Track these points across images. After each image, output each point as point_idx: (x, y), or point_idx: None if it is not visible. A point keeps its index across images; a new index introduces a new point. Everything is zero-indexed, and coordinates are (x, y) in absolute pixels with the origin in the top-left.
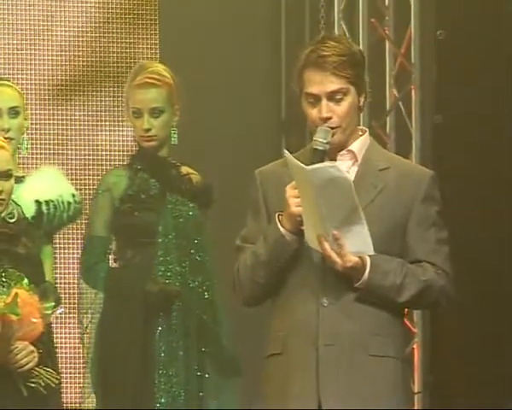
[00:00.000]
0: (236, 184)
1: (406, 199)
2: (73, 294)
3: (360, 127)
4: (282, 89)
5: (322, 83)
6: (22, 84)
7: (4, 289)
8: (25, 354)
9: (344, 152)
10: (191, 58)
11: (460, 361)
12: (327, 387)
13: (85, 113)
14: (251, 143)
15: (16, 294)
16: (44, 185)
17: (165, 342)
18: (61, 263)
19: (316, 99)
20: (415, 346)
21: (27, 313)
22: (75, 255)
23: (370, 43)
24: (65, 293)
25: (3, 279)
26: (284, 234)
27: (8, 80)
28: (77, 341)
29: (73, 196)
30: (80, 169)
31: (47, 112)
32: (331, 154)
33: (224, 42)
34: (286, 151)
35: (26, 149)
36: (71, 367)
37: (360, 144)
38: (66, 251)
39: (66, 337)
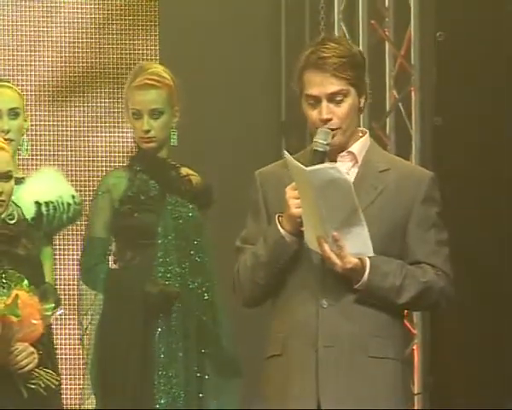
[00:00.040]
0: (236, 185)
1: (406, 200)
2: (73, 295)
3: (360, 129)
4: (282, 90)
5: (322, 84)
6: (22, 85)
7: (4, 291)
8: (25, 355)
9: (344, 153)
10: (191, 59)
11: (460, 362)
12: (326, 388)
13: (85, 114)
14: (251, 145)
15: (17, 295)
16: (44, 187)
17: (165, 343)
18: (60, 264)
19: (316, 100)
20: (414, 347)
21: (27, 315)
22: (75, 257)
23: (370, 45)
24: (65, 294)
25: (3, 281)
26: (284, 235)
27: (8, 81)
28: (76, 342)
29: (73, 197)
30: (80, 170)
31: (47, 113)
32: (331, 155)
33: (224, 43)
34: (286, 152)
35: (26, 150)
36: (71, 368)
37: (360, 146)
38: (66, 252)
39: (65, 338)
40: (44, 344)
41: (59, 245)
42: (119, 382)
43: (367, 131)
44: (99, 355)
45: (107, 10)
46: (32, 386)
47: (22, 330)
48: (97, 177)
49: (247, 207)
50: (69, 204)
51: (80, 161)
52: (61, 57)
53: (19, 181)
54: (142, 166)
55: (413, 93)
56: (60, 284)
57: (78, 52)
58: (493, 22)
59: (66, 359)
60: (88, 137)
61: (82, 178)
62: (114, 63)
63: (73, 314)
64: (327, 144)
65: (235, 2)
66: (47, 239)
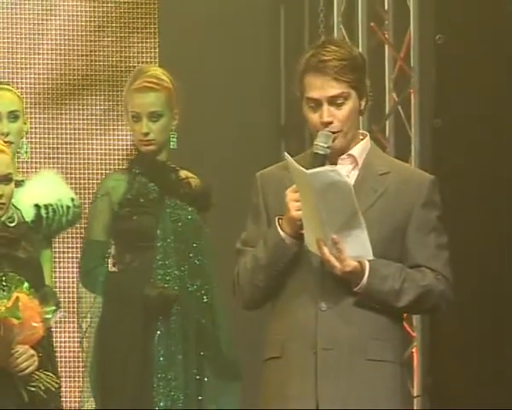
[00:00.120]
0: (236, 188)
1: (406, 203)
2: (73, 298)
3: (361, 131)
4: (282, 93)
5: (323, 87)
6: (22, 88)
7: (5, 294)
8: (25, 357)
9: (344, 156)
10: (190, 62)
11: (459, 364)
12: (325, 391)
13: (85, 117)
14: (250, 148)
15: (17, 298)
16: (44, 189)
17: (164, 345)
18: (60, 267)
19: (317, 104)
20: (414, 350)
21: (28, 317)
22: (74, 259)
23: (370, 48)
24: (64, 297)
25: (4, 283)
26: (284, 238)
27: (8, 84)
28: (76, 345)
29: (72, 200)
30: (79, 173)
31: (46, 116)
32: (332, 158)
33: (224, 45)
34: (287, 155)
35: (26, 153)
36: (70, 371)
37: (361, 149)
38: (66, 255)
39: (65, 341)
40: (44, 347)
41: (58, 248)
42: (118, 384)
43: (367, 133)
44: (98, 358)
45: (107, 13)
46: (32, 389)
47: (22, 332)
48: (96, 180)
49: (246, 210)
50: (68, 207)
51: (79, 163)
52: (60, 60)
53: (18, 184)
54: (141, 168)
55: (412, 96)
56: (59, 287)
57: (76, 55)
58: (493, 24)
59: (65, 361)
60: (87, 140)
61: (81, 181)
62: (114, 66)
63: (73, 317)
64: (327, 147)
65: (234, 4)
66: (46, 242)
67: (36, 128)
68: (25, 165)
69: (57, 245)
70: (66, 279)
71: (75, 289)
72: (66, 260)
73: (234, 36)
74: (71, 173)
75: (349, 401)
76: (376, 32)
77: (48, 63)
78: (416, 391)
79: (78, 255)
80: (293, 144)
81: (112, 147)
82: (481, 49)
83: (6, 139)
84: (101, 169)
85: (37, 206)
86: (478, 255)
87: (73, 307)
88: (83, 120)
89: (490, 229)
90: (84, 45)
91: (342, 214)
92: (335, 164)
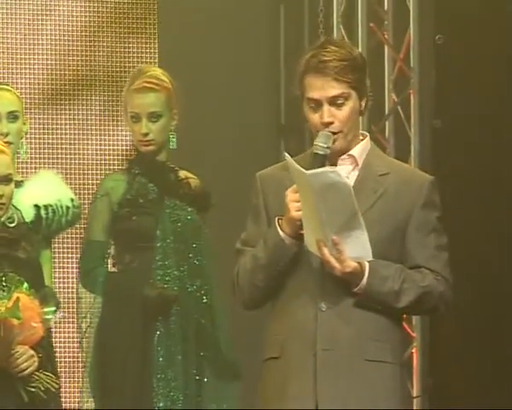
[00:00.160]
0: (235, 188)
1: (406, 204)
2: (72, 298)
3: (361, 132)
4: (282, 93)
5: (323, 88)
6: (20, 88)
7: (4, 294)
8: (25, 358)
9: (345, 156)
10: (190, 62)
11: (459, 365)
12: (324, 392)
13: (83, 117)
14: (250, 148)
15: (18, 298)
16: (43, 190)
17: (164, 346)
18: (59, 267)
19: (317, 104)
20: (413, 350)
21: (28, 318)
22: (74, 260)
23: (369, 48)
24: (64, 297)
25: (3, 284)
26: (284, 238)
27: (7, 85)
28: (75, 345)
29: (72, 200)
30: (78, 173)
31: (45, 116)
32: (332, 158)
33: (223, 45)
34: (287, 155)
35: (25, 153)
36: (69, 371)
37: (361, 149)
38: (65, 256)
39: (64, 341)
40: (44, 347)
41: (58, 248)
42: (117, 385)
43: (367, 134)
44: (98, 358)
45: (106, 13)
46: (32, 389)
47: (22, 333)
48: (96, 180)
49: (246, 210)
50: (68, 207)
51: (78, 164)
52: (58, 60)
53: (18, 184)
54: (140, 169)
55: (412, 96)
56: (59, 288)
57: (76, 55)
58: (493, 24)
59: (65, 362)
60: (86, 140)
61: (80, 182)
62: (113, 66)
63: (72, 317)
64: (327, 148)
65: (233, 5)
66: (46, 242)
67: (35, 129)
68: (24, 165)
69: (57, 245)
70: (65, 280)
71: (75, 290)
72: (65, 260)
73: (233, 36)
74: (70, 174)
75: (348, 401)
76: (376, 32)
77: (46, 63)
78: (415, 392)
79: (78, 256)
80: (293, 144)
81: (111, 147)
82: (481, 49)
83: (5, 140)
84: (101, 169)
85: (36, 206)
86: (477, 256)
87: (73, 308)
88: (82, 120)
89: (490, 229)
90: (83, 46)
91: (342, 215)
92: (335, 164)
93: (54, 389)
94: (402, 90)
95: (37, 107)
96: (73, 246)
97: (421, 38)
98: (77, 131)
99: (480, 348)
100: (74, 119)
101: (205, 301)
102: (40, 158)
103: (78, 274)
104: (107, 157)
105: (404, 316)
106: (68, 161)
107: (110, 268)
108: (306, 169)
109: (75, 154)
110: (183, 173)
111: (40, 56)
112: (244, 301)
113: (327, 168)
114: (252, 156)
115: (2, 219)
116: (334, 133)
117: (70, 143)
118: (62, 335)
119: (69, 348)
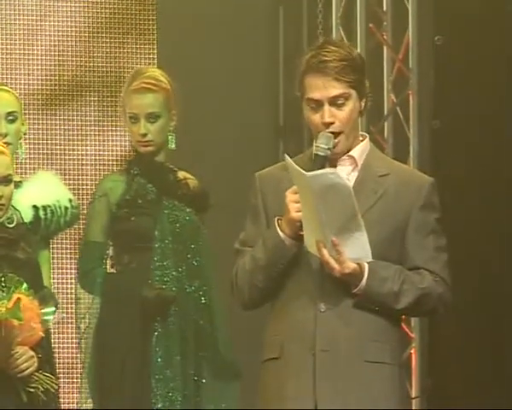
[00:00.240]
0: (234, 189)
1: (405, 205)
2: (71, 299)
3: (361, 133)
4: (280, 94)
5: (324, 88)
6: (20, 89)
7: (4, 294)
8: (25, 358)
9: (344, 157)
10: (189, 63)
11: (458, 365)
12: (323, 392)
13: (82, 118)
14: (249, 149)
15: (18, 299)
16: (42, 190)
17: (162, 346)
18: (58, 268)
19: (318, 104)
20: (412, 351)
21: (28, 318)
22: (72, 261)
23: (368, 49)
24: (62, 298)
25: (3, 284)
26: (283, 239)
27: (6, 85)
28: (74, 346)
29: (70, 201)
30: (77, 174)
31: (44, 117)
32: (332, 159)
33: (222, 47)
34: (287, 156)
35: (24, 154)
36: (68, 372)
37: (361, 150)
38: (64, 256)
39: (63, 342)
40: (43, 348)
41: (56, 249)
42: (116, 385)
43: (367, 135)
44: (96, 359)
45: (104, 14)
46: (32, 390)
47: (22, 333)
48: (94, 181)
49: (245, 211)
50: (66, 208)
51: (77, 164)
52: (56, 61)
53: (16, 185)
54: (139, 169)
55: (411, 97)
56: (57, 288)
57: (75, 56)
58: (492, 24)
59: (63, 362)
60: (84, 140)
61: (79, 182)
62: (112, 67)
63: (71, 318)
64: (328, 149)
65: (233, 5)
66: (44, 243)
67: (33, 129)
68: (22, 166)
69: (55, 246)
70: (64, 280)
71: (73, 291)
72: (64, 261)
73: (233, 37)
74: (68, 174)
75: (347, 402)
76: (375, 33)
77: (45, 66)
78: (414, 392)
79: (77, 256)
80: (292, 145)
81: (109, 148)
82: (480, 49)
83: (4, 140)
84: (99, 170)
85: (35, 207)
86: (477, 257)
87: (71, 308)
88: (80, 121)
89: (489, 230)
90: (82, 48)
91: (342, 216)
92: (335, 165)
93: (53, 390)
94: (401, 90)
95: (35, 108)
96: (72, 247)
97: (420, 39)
98: (75, 132)
99: (480, 348)
100: (73, 119)
101: (203, 301)
102: (39, 159)
103: (76, 275)
104: (106, 158)
105: (403, 317)
106: (67, 162)
107: (109, 269)
108: (306, 170)
109: (73, 154)
110: (181, 174)
111: (39, 58)
112: (243, 301)
113: (327, 170)
114: (251, 157)
115: (2, 219)
116: (334, 134)
117: (68, 144)
118: (61, 335)
119: (68, 348)
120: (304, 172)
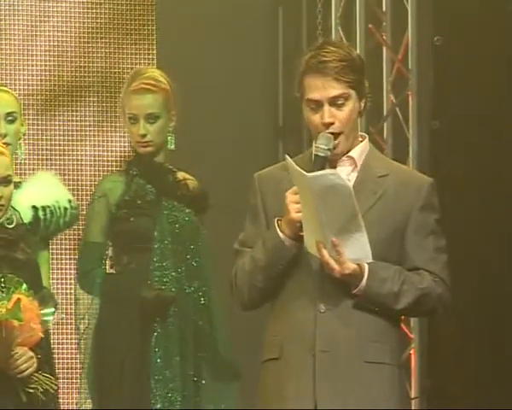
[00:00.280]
0: (234, 189)
1: (405, 206)
2: (70, 299)
3: (360, 133)
4: (280, 94)
5: (323, 88)
6: (20, 90)
7: (4, 295)
8: (25, 359)
9: (344, 158)
10: (188, 63)
11: (457, 366)
12: (323, 393)
13: (81, 118)
14: (248, 149)
15: (19, 299)
16: (41, 191)
17: (162, 347)
18: (57, 269)
19: (317, 105)
20: (412, 351)
21: (28, 319)
22: (72, 261)
23: (367, 49)
24: (61, 299)
25: (2, 285)
26: (283, 239)
27: (5, 86)
28: (74, 346)
29: (70, 201)
30: (76, 175)
31: (43, 117)
32: (332, 160)
33: (222, 47)
34: (287, 157)
35: (23, 154)
36: (67, 372)
37: (360, 150)
38: (63, 257)
39: (62, 343)
40: (43, 348)
41: (56, 250)
42: (115, 386)
43: (366, 135)
44: (96, 359)
45: (103, 15)
46: (31, 390)
47: (22, 334)
48: (94, 181)
49: (244, 212)
50: (66, 208)
51: (76, 165)
52: (55, 62)
53: (16, 185)
54: (138, 170)
55: (410, 97)
56: (56, 289)
57: (74, 57)
58: (492, 25)
59: (63, 363)
60: (83, 141)
61: (78, 183)
62: (111, 68)
63: (70, 319)
64: (328, 149)
65: (232, 6)
66: (44, 243)
67: (33, 130)
68: (22, 166)
69: (54, 247)
70: (63, 281)
71: (72, 291)
72: (63, 261)
73: (232, 37)
74: (68, 175)
75: (347, 402)
76: (374, 33)
77: (43, 65)
78: (413, 393)
79: (76, 257)
80: (291, 145)
81: (109, 149)
82: (480, 50)
83: (3, 141)
84: (98, 171)
85: (34, 207)
86: (476, 257)
87: (71, 309)
88: (79, 121)
89: (488, 230)
90: (81, 50)
91: (342, 217)
92: (335, 166)
93: (52, 390)
94: (400, 91)
95: (35, 108)
96: (71, 247)
97: (420, 40)
98: (74, 133)
99: (479, 348)
100: (72, 120)
101: (203, 302)
102: (38, 159)
103: (75, 275)
104: (105, 158)
105: (403, 317)
106: (66, 162)
107: (108, 269)
108: (305, 170)
109: (73, 155)
110: (181, 175)
111: (38, 59)
112: (242, 301)
113: (327, 171)
114: (250, 158)
115: (1, 220)
116: (334, 135)
117: (68, 145)
118: (60, 336)
119: (67, 349)
120: (304, 172)
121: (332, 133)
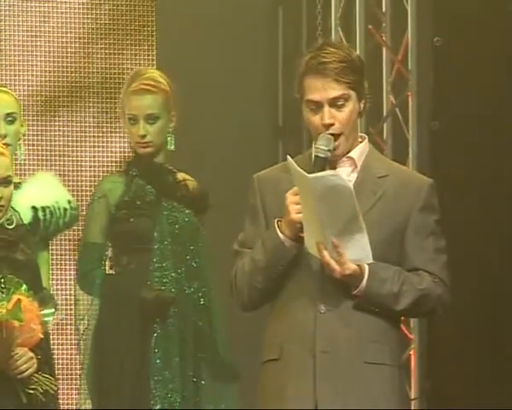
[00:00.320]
0: (234, 190)
1: (405, 207)
2: (70, 300)
3: (360, 134)
4: (280, 95)
5: (323, 89)
6: (19, 91)
7: (4, 296)
8: (25, 360)
9: (344, 159)
10: (188, 64)
11: (457, 366)
12: (323, 394)
13: (81, 119)
14: (248, 150)
15: (19, 300)
16: (41, 191)
17: (161, 348)
18: (57, 269)
19: (317, 106)
20: (411, 352)
21: (28, 320)
22: (71, 262)
23: (367, 50)
24: (61, 299)
25: (2, 286)
26: (283, 240)
27: (5, 86)
28: (73, 347)
29: (69, 202)
30: (75, 175)
31: (43, 117)
32: (332, 161)
33: (221, 48)
34: (289, 157)
35: (23, 155)
36: (67, 373)
37: (360, 151)
38: (63, 258)
39: (62, 343)
40: (43, 349)
41: (55, 250)
42: (115, 386)
43: (366, 136)
44: (95, 360)
45: (103, 16)
46: (31, 391)
47: (22, 335)
48: (93, 182)
49: (244, 212)
50: (65, 209)
51: (75, 165)
52: (55, 63)
53: (15, 186)
54: (138, 171)
55: (410, 98)
56: (56, 289)
57: (74, 57)
58: (492, 25)
59: (62, 363)
60: (83, 142)
61: (78, 183)
62: (110, 69)
63: (70, 319)
64: (328, 150)
65: (232, 6)
66: (43, 244)
67: (33, 131)
68: (21, 167)
69: (54, 247)
70: (63, 281)
71: (72, 292)
72: (63, 262)
73: (232, 38)
74: (68, 175)
75: (347, 403)
76: (374, 34)
77: (43, 66)
78: (413, 394)
79: (76, 258)
80: (291, 146)
81: (108, 149)
82: (480, 50)
83: (3, 141)
84: (98, 171)
85: (34, 208)
86: (476, 257)
87: (71, 310)
88: (79, 122)
89: (488, 231)
90: (81, 51)
91: (343, 218)
92: (335, 167)
93: (52, 391)
94: (400, 92)
95: (34, 109)
96: (71, 248)
97: (419, 40)
98: (74, 134)
99: (479, 349)
100: (72, 121)
101: (202, 303)
102: (38, 160)
103: (75, 276)
104: (105, 159)
105: (403, 318)
106: (66, 163)
107: (108, 270)
108: (305, 171)
109: (73, 156)
110: (180, 175)
111: (38, 60)
112: (242, 302)
113: (329, 172)
114: (250, 158)
115: (1, 220)
116: (334, 136)
117: (67, 145)
118: (60, 337)
119: (67, 349)
120: (305, 174)
121: (332, 134)
